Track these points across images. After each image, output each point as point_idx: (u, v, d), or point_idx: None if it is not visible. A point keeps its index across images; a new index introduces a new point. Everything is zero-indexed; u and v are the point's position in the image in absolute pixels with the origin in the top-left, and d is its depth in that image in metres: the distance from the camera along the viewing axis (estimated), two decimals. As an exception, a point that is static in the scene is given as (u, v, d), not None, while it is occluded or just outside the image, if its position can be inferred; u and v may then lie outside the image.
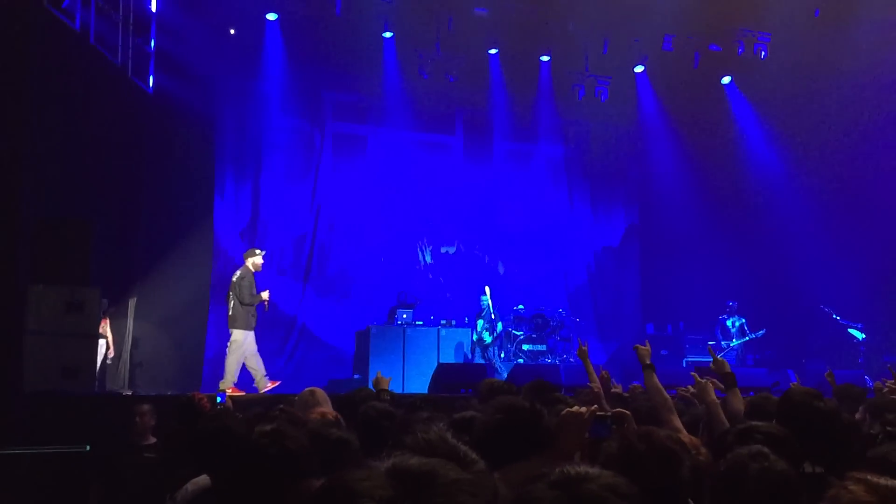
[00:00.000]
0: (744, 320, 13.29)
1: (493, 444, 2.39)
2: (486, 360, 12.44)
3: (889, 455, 2.82)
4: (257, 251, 10.43)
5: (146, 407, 6.17)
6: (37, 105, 8.18)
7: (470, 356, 12.60)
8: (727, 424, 3.60)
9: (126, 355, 10.72)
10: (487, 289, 13.17)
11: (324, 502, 1.14)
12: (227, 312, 10.04)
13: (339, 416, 3.82)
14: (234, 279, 10.14)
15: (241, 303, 9.87)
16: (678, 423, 4.15)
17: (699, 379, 4.33)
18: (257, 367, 9.99)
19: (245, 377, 10.17)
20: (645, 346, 4.97)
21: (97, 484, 5.90)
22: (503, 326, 13.26)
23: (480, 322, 12.94)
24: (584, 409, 2.56)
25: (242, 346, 9.90)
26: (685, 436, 3.54)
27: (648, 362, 4.71)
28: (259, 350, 13.56)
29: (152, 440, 6.10)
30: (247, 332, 9.99)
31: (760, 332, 13.04)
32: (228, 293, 10.09)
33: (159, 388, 10.60)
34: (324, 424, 3.37)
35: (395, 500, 1.08)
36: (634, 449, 2.12)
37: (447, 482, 1.17)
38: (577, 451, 2.46)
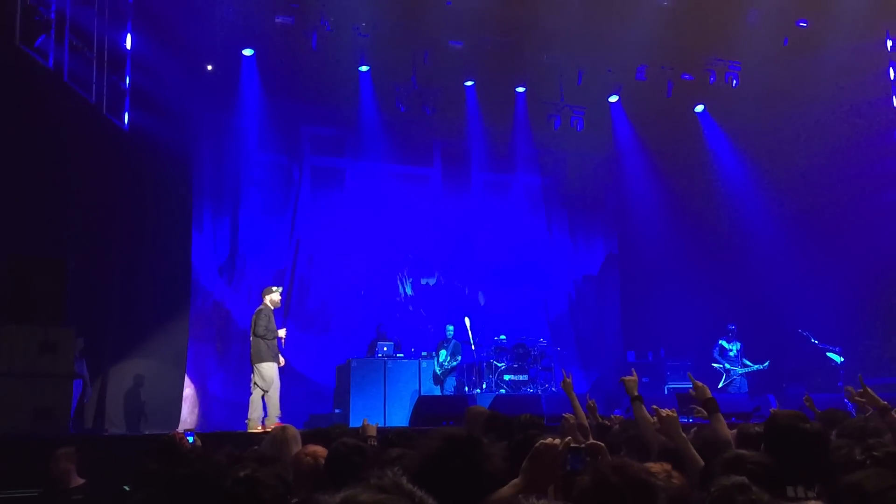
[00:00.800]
0: (740, 345, 13.24)
1: (430, 478, 2.12)
2: (441, 391, 12.34)
3: (863, 482, 2.80)
4: (274, 288, 10.51)
5: (69, 449, 5.97)
6: (8, 142, 8.15)
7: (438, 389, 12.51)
8: (701, 461, 3.51)
9: (98, 394, 10.53)
10: (467, 319, 13.14)
11: None
12: (250, 350, 10.05)
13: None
14: (253, 316, 10.21)
15: (254, 334, 9.94)
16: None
17: (661, 412, 4.00)
18: (259, 404, 9.91)
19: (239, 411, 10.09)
20: (632, 376, 4.90)
21: None
22: (484, 356, 13.20)
23: (443, 353, 12.81)
24: (557, 440, 2.52)
25: (269, 378, 9.87)
26: (662, 465, 3.52)
27: (636, 394, 4.67)
28: (237, 385, 13.53)
29: (80, 482, 5.92)
30: (273, 364, 10.00)
31: (765, 363, 12.98)
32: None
33: (136, 427, 10.45)
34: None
35: None
36: (608, 482, 2.09)
37: None
38: (551, 484, 2.42)
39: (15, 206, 8.42)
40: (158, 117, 11.39)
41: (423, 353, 12.74)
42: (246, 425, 9.85)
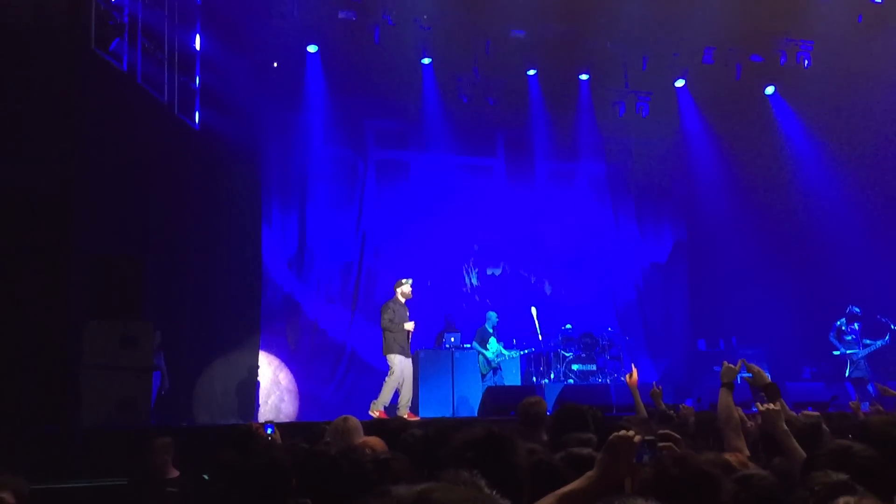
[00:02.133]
0: (859, 326, 12.29)
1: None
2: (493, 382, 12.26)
3: None
4: (404, 281, 10.68)
5: (166, 440, 6.10)
6: (88, 145, 8.44)
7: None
8: (803, 453, 3.37)
9: (176, 386, 10.85)
10: (534, 309, 13.10)
11: None
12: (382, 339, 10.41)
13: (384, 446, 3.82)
14: (382, 309, 10.50)
15: (385, 328, 10.26)
16: (742, 443, 4.04)
17: (762, 407, 3.85)
18: (404, 394, 10.23)
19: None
20: (736, 366, 4.70)
21: None
22: (551, 346, 13.16)
23: (493, 340, 12.65)
24: (632, 432, 2.51)
25: (398, 370, 10.16)
26: (737, 456, 3.47)
27: (727, 381, 4.52)
28: (309, 377, 13.79)
29: (175, 473, 6.06)
30: (401, 357, 10.24)
31: (886, 337, 12.00)
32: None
33: (213, 419, 10.74)
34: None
35: None
36: (668, 474, 2.07)
37: None
38: (626, 476, 2.41)
39: (93, 206, 8.71)
40: (227, 115, 11.65)
41: (467, 345, 12.66)
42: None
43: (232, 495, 4.11)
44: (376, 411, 9.90)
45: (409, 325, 10.34)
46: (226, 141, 11.67)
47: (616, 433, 2.47)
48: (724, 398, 4.35)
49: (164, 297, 10.18)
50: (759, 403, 3.98)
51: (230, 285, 11.74)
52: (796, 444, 3.50)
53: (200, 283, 11.33)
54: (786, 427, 3.65)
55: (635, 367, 6.24)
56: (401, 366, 10.21)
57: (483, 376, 12.20)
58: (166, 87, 10.53)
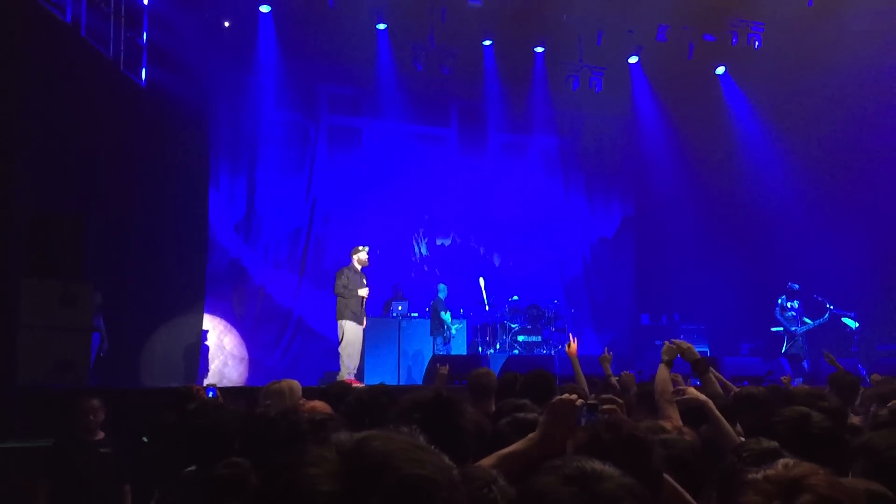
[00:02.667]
0: (799, 303, 12.53)
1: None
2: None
3: (871, 441, 2.79)
4: (360, 248, 10.60)
5: (94, 402, 5.98)
6: (28, 98, 8.17)
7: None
8: (736, 438, 3.44)
9: (115, 348, 10.67)
10: (482, 280, 13.18)
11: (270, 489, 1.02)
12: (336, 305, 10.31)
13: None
14: (336, 275, 10.40)
15: (339, 294, 10.18)
16: (675, 412, 4.15)
17: (691, 392, 3.95)
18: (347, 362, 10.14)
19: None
20: (674, 342, 4.78)
21: (45, 479, 5.83)
22: (498, 317, 13.27)
23: (448, 314, 12.65)
24: (573, 395, 2.54)
25: (351, 336, 10.13)
26: (672, 422, 3.56)
27: (667, 358, 4.65)
28: (255, 342, 13.68)
29: (101, 435, 5.99)
30: (353, 323, 10.19)
31: (825, 316, 12.21)
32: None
33: (154, 382, 10.61)
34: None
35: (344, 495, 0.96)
36: (600, 439, 2.11)
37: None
38: (568, 438, 2.44)
39: (34, 162, 8.46)
40: (175, 74, 11.39)
41: (414, 314, 12.69)
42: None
43: (171, 456, 4.08)
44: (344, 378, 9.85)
45: (364, 292, 10.30)
46: (173, 100, 11.42)
47: (558, 396, 2.50)
48: (662, 372, 4.49)
49: (106, 258, 9.97)
50: (678, 378, 4.10)
51: (175, 247, 11.56)
52: (727, 426, 3.62)
53: (144, 244, 11.14)
54: (718, 413, 3.76)
55: (574, 337, 6.30)
56: (352, 332, 10.15)
57: (442, 342, 12.23)
58: (112, 41, 10.22)
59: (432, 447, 1.15)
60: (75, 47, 9.36)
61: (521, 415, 2.97)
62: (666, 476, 2.18)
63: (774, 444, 2.42)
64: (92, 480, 5.78)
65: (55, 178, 8.96)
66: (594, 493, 1.42)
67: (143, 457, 5.53)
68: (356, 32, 13.68)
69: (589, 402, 2.55)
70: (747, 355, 13.21)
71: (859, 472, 2.53)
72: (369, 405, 3.60)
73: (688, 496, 2.27)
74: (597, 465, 1.48)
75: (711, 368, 5.04)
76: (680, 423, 3.89)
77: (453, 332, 12.66)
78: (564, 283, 15.94)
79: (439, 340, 12.32)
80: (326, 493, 0.96)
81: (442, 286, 12.97)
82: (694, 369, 4.57)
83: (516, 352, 12.88)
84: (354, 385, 8.72)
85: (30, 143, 8.30)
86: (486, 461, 2.35)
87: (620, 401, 2.73)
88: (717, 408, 3.76)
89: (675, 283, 14.89)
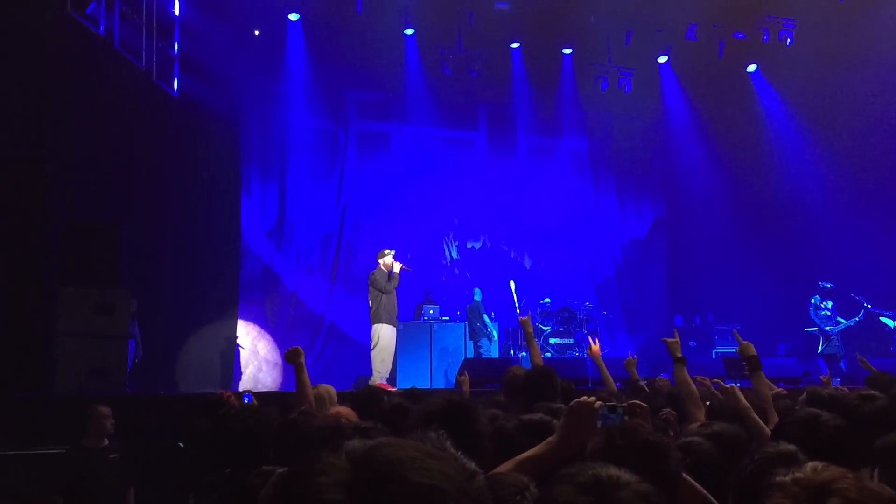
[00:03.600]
0: (832, 303, 12.23)
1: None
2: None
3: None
4: (386, 251, 10.55)
5: (106, 409, 6.08)
6: (63, 110, 8.33)
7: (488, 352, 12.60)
8: (767, 430, 3.40)
9: (151, 355, 10.82)
10: (513, 283, 13.14)
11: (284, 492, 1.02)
12: (369, 309, 10.27)
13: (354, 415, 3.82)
14: (369, 279, 10.36)
15: (383, 292, 10.10)
16: (702, 415, 4.12)
17: (724, 385, 4.05)
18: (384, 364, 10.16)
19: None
20: (674, 338, 4.87)
21: (58, 496, 5.92)
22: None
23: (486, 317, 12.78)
24: (592, 398, 2.52)
25: (385, 341, 10.12)
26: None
27: (679, 355, 4.65)
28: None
29: (106, 443, 6.09)
30: (389, 327, 10.18)
31: (860, 314, 11.95)
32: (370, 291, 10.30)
33: (190, 388, 10.72)
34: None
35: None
36: (614, 444, 2.10)
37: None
38: (587, 441, 2.43)
39: (69, 172, 8.62)
40: (207, 83, 11.53)
41: (445, 318, 12.74)
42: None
43: (205, 462, 4.13)
44: (376, 383, 9.87)
45: (397, 266, 10.22)
46: (205, 109, 11.55)
47: (577, 399, 2.49)
48: (679, 373, 4.46)
49: (141, 265, 10.11)
50: (721, 381, 4.09)
51: (208, 255, 11.69)
52: (758, 419, 3.56)
53: (178, 251, 11.26)
54: (746, 403, 3.72)
55: (595, 340, 6.31)
56: (387, 337, 10.14)
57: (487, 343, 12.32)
58: (144, 52, 10.39)
59: (457, 453, 1.15)
60: (109, 59, 9.52)
61: (527, 416, 2.96)
62: (685, 476, 2.17)
63: (792, 447, 2.36)
64: (103, 487, 5.90)
65: (90, 187, 9.10)
66: (610, 501, 1.42)
67: (179, 463, 5.62)
68: (384, 38, 13.74)
69: (608, 403, 2.53)
70: (783, 356, 13.03)
71: (885, 474, 2.49)
72: (400, 411, 3.61)
73: (707, 495, 2.25)
74: (612, 471, 1.48)
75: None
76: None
77: (495, 335, 12.75)
78: (596, 285, 15.84)
79: (484, 342, 12.38)
80: (332, 503, 0.96)
81: (477, 290, 13.00)
82: (747, 365, 4.45)
83: (548, 354, 12.83)
84: (387, 389, 8.75)
85: (65, 154, 8.46)
86: (504, 466, 2.35)
87: (644, 405, 2.71)
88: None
89: (708, 284, 14.72)
